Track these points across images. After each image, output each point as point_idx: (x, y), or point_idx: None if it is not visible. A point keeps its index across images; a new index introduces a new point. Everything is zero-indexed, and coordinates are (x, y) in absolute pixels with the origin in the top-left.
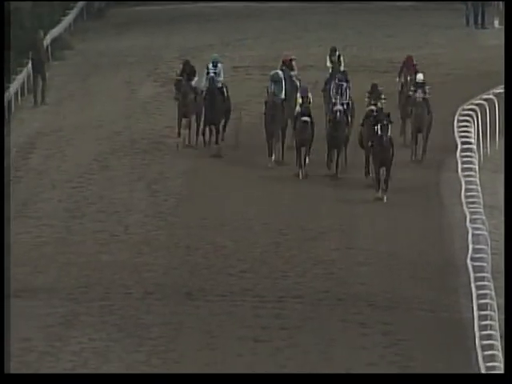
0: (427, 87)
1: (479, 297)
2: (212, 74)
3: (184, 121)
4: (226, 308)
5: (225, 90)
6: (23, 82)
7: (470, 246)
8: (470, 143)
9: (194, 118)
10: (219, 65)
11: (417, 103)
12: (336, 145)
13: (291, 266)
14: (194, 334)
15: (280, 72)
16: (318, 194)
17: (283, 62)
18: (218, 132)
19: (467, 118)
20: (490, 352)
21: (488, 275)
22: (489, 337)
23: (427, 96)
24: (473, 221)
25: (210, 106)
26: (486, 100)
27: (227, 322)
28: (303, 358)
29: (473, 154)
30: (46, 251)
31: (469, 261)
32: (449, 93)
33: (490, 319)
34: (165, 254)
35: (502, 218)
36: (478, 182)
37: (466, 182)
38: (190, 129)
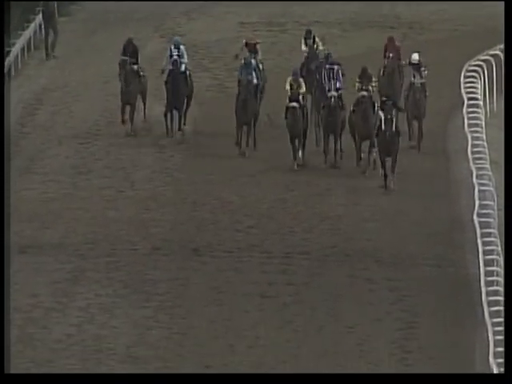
0: (423, 68)
1: (485, 252)
2: (175, 57)
3: (128, 107)
4: (233, 264)
5: (188, 73)
6: (30, 38)
7: (477, 202)
8: (476, 99)
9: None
10: (181, 47)
11: (415, 88)
12: (333, 130)
13: (298, 222)
14: (200, 289)
15: (252, 59)
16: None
17: (247, 45)
18: (180, 117)
19: (474, 74)
20: (496, 308)
21: (494, 231)
22: (495, 292)
23: (424, 80)
24: (479, 177)
25: (173, 90)
26: (492, 56)
27: (234, 278)
28: (310, 314)
29: (479, 110)
30: (52, 207)
31: (475, 217)
32: (455, 49)
33: (497, 275)
34: (171, 210)
35: None
36: (485, 137)
37: (473, 138)
38: (132, 116)
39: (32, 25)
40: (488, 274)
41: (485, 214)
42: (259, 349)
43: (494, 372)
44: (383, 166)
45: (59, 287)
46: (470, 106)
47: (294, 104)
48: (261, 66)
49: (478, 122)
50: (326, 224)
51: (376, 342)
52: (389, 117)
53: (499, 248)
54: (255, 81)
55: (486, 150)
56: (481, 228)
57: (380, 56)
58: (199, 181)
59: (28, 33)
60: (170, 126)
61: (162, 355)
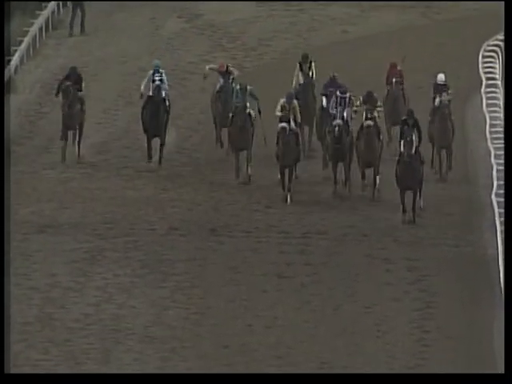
0: (450, 91)
1: (504, 232)
2: (158, 83)
3: (68, 133)
4: (251, 244)
5: (167, 100)
6: (48, 18)
7: (495, 182)
8: (494, 79)
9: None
10: (162, 71)
11: (441, 111)
12: (341, 158)
13: (316, 202)
14: (218, 269)
15: (248, 86)
16: None
17: (220, 72)
18: (162, 146)
19: (492, 54)
20: None
21: None
22: None
23: (450, 98)
24: (497, 156)
25: (152, 117)
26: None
27: (252, 258)
28: (328, 294)
29: (497, 90)
30: (71, 187)
31: (493, 196)
32: (474, 29)
33: None
34: (189, 190)
35: None
36: (503, 117)
37: (491, 118)
38: (74, 140)
39: (50, 4)
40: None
41: (503, 193)
42: (277, 329)
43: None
44: (402, 201)
45: (77, 267)
46: (488, 86)
47: (284, 124)
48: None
49: (496, 102)
50: (344, 204)
51: (394, 322)
52: (408, 139)
53: None
54: (248, 105)
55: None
56: (499, 208)
57: (397, 37)
58: (216, 161)
59: (46, 12)
60: (151, 154)
61: (180, 335)
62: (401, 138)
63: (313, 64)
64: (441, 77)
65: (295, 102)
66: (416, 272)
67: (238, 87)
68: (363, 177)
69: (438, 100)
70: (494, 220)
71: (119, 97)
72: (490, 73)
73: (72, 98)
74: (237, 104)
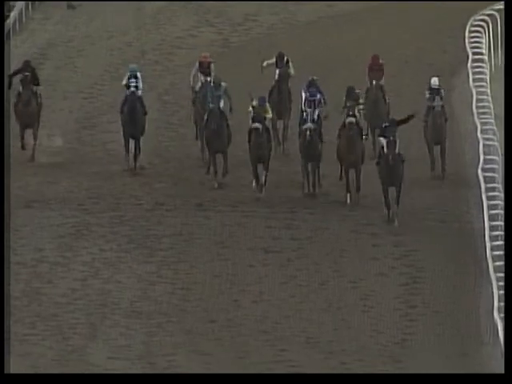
0: (443, 91)
1: (490, 207)
2: (133, 89)
3: (26, 132)
4: (237, 219)
5: (142, 99)
6: None
7: (481, 157)
8: (481, 54)
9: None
10: (138, 74)
11: (435, 112)
12: (312, 158)
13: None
14: (204, 244)
15: (222, 82)
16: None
17: (200, 63)
18: (137, 147)
19: (479, 28)
20: (500, 262)
21: (499, 186)
22: (500, 247)
23: (443, 103)
24: (484, 131)
25: (130, 121)
26: (497, 11)
27: (238, 233)
28: (314, 269)
29: (484, 65)
30: (56, 161)
31: (480, 171)
32: (461, 3)
33: (501, 229)
34: (175, 165)
35: None
36: (489, 92)
37: (477, 93)
38: (35, 141)
39: None
40: (492, 228)
41: (489, 168)
42: (263, 303)
43: (499, 328)
44: (386, 196)
45: (64, 242)
46: (474, 60)
47: (257, 125)
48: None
49: (483, 76)
50: (330, 178)
51: (380, 297)
52: (392, 139)
53: (503, 203)
54: (222, 105)
55: (491, 105)
56: (485, 183)
57: (383, 12)
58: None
59: None
60: (129, 156)
61: (166, 310)
62: (383, 138)
63: (290, 63)
64: (435, 80)
65: (267, 105)
66: (402, 247)
67: (212, 83)
68: (341, 178)
69: (429, 103)
70: (481, 195)
71: (105, 72)
72: (477, 47)
73: (26, 94)
74: (211, 105)
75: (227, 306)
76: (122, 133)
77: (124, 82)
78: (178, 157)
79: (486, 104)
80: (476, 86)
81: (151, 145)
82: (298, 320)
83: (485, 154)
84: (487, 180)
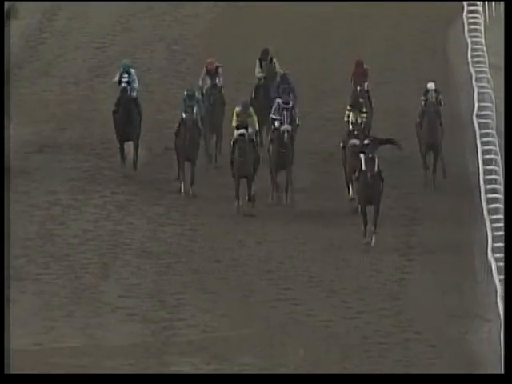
0: (440, 96)
1: (484, 152)
2: (124, 84)
3: None
4: None
5: (138, 100)
6: None
7: (476, 104)
8: (476, 5)
9: None
10: (132, 71)
11: (428, 112)
12: (283, 165)
13: (305, 123)
14: (211, 186)
15: (196, 93)
16: None
17: (207, 69)
18: (136, 149)
19: None
20: (495, 205)
21: (493, 131)
22: (493, 191)
23: (440, 106)
24: (478, 80)
25: (124, 120)
26: None
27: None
28: (316, 210)
29: (479, 16)
30: (70, 109)
31: (474, 117)
32: None
33: (495, 173)
34: None
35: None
36: (484, 42)
37: (472, 43)
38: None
39: None
40: (487, 172)
41: (484, 115)
42: (267, 244)
43: (492, 268)
44: (363, 214)
45: (76, 185)
46: (469, 11)
47: (243, 131)
48: (223, 91)
49: (478, 27)
50: (331, 125)
51: (380, 237)
52: (370, 156)
53: (497, 148)
54: (195, 114)
55: (485, 55)
56: (480, 129)
57: None
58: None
59: None
60: (125, 157)
61: (175, 250)
62: (362, 154)
63: (274, 60)
64: (431, 85)
65: (251, 109)
66: (400, 189)
67: (186, 93)
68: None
69: (427, 99)
70: (475, 140)
71: (117, 22)
72: None
73: None
74: (183, 114)
75: (232, 246)
76: (115, 136)
77: (116, 79)
78: None
79: (480, 53)
80: (471, 36)
81: (159, 92)
82: (301, 260)
83: (479, 101)
84: (481, 126)
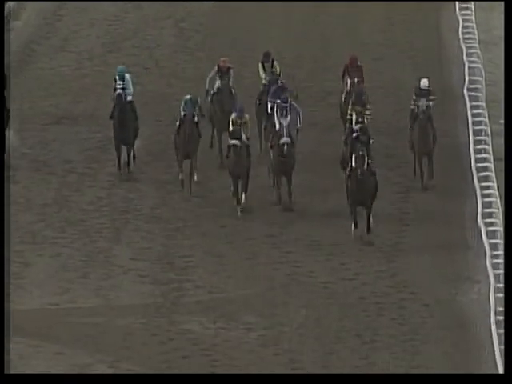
0: (432, 97)
1: (475, 123)
2: (119, 91)
3: None
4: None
5: (134, 105)
6: None
7: (467, 78)
8: None
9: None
10: (127, 76)
11: (421, 116)
12: (284, 172)
13: (306, 96)
14: (215, 158)
15: (199, 98)
16: None
17: (219, 68)
18: (130, 153)
19: None
20: (484, 173)
21: (483, 104)
22: (483, 160)
23: (432, 105)
24: (469, 55)
25: (120, 125)
26: None
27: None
28: (316, 178)
29: None
30: (85, 82)
31: (465, 91)
32: None
33: (485, 143)
34: (192, 86)
35: (496, 51)
36: (474, 20)
37: (463, 20)
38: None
39: None
40: (477, 142)
41: (474, 88)
42: (271, 210)
43: (482, 233)
44: (353, 213)
45: (91, 154)
46: None
47: (236, 142)
48: (233, 91)
49: (468, 5)
50: (332, 98)
51: (376, 203)
52: (360, 153)
53: (487, 119)
54: (196, 118)
55: (475, 31)
56: (470, 101)
57: None
58: (217, 58)
59: None
60: (122, 161)
61: (183, 215)
62: (353, 153)
63: (275, 62)
64: (424, 82)
65: (246, 116)
66: (395, 159)
67: (189, 96)
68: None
69: (418, 106)
70: (466, 112)
71: (128, 1)
72: None
73: None
74: (184, 112)
75: (237, 212)
76: (113, 139)
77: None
78: (193, 78)
79: (470, 30)
80: (462, 14)
81: (169, 67)
82: (301, 225)
83: (470, 75)
84: (472, 98)
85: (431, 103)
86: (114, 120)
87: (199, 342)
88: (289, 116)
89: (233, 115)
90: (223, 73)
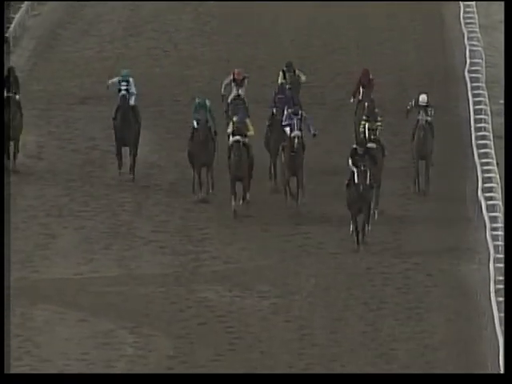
0: (430, 109)
1: (475, 103)
2: (124, 92)
3: (12, 143)
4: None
5: (137, 108)
6: None
7: (468, 60)
8: None
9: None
10: (130, 79)
11: (421, 126)
12: (294, 171)
13: (316, 77)
14: None
15: (207, 100)
16: None
17: (234, 79)
18: (131, 153)
19: None
20: (484, 150)
21: (483, 84)
22: (483, 137)
23: (431, 119)
24: (470, 38)
25: (122, 127)
26: None
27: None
28: (326, 157)
29: None
30: (108, 64)
31: (466, 72)
32: None
33: (485, 122)
34: (208, 68)
35: (496, 35)
36: (475, 5)
37: (464, 6)
38: (18, 151)
39: None
40: (477, 121)
41: (475, 70)
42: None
43: (482, 207)
44: (354, 222)
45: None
46: None
47: (238, 137)
48: (246, 101)
49: None
50: (340, 78)
51: (383, 178)
52: (363, 169)
53: (487, 99)
54: (209, 122)
55: (476, 16)
56: (471, 82)
57: None
58: (232, 41)
59: None
60: (122, 164)
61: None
62: (354, 167)
63: (297, 71)
64: (423, 97)
65: (247, 120)
66: (400, 136)
67: (197, 101)
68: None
69: (418, 119)
70: (467, 92)
71: None
72: None
73: (12, 107)
74: (197, 118)
75: (252, 187)
76: (114, 141)
77: (113, 80)
78: (211, 61)
79: (471, 15)
80: (463, 0)
81: (187, 50)
82: (312, 199)
83: (470, 57)
84: (472, 80)
85: (430, 118)
86: (116, 122)
87: (215, 309)
88: (298, 123)
89: (234, 118)
90: (238, 83)
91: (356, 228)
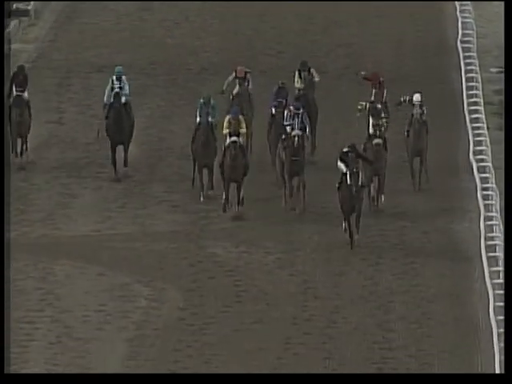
0: (425, 108)
1: (467, 72)
2: (117, 90)
3: (19, 140)
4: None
5: (129, 105)
6: None
7: (460, 31)
8: None
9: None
10: (123, 77)
11: (416, 122)
12: (296, 172)
13: (318, 47)
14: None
15: (211, 99)
16: None
17: (236, 76)
18: (126, 152)
19: None
20: (475, 115)
21: (474, 54)
22: (475, 103)
23: (425, 117)
24: (462, 11)
25: (115, 125)
26: None
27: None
28: (326, 121)
29: None
30: (124, 35)
31: (458, 42)
32: None
33: (476, 89)
34: (218, 39)
35: (486, 8)
36: None
37: None
38: (26, 148)
39: None
40: (469, 88)
41: (466, 40)
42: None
43: (473, 168)
44: (347, 222)
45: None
46: None
47: (235, 138)
48: (251, 96)
49: None
50: (341, 49)
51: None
52: (354, 170)
53: (477, 67)
54: (210, 119)
55: None
56: (463, 52)
57: None
58: (239, 15)
59: None
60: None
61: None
62: (347, 169)
63: (312, 70)
64: (417, 97)
65: (241, 117)
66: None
67: (202, 100)
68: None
69: (412, 114)
70: (459, 61)
71: None
72: None
73: (21, 105)
74: (199, 118)
75: (258, 150)
76: (108, 141)
77: (108, 87)
78: (219, 32)
79: (467, 2)
80: None
81: (198, 22)
82: (315, 166)
83: (462, 29)
84: (464, 50)
85: (424, 117)
86: (109, 120)
87: (224, 264)
88: (300, 122)
89: (228, 117)
90: (241, 79)
91: (349, 227)
